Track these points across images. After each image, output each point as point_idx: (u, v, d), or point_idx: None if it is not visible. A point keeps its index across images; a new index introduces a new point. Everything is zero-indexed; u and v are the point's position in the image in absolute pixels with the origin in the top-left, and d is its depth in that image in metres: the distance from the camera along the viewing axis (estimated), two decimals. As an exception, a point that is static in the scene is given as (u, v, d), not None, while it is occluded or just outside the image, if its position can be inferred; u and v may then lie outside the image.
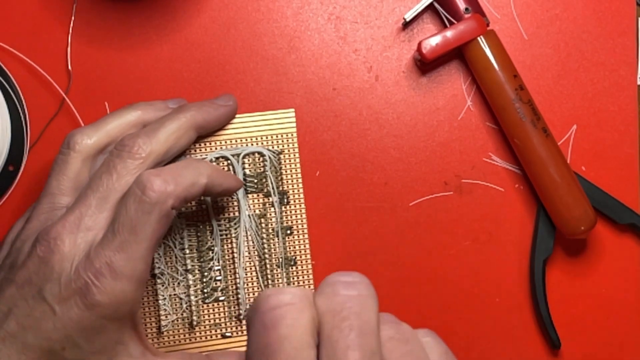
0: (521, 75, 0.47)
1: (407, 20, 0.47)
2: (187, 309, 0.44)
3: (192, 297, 0.44)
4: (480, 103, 0.48)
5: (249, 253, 0.45)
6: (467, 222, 0.48)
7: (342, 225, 0.47)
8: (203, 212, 0.44)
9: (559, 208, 0.46)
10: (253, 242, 0.45)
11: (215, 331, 0.44)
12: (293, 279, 0.45)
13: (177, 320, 0.44)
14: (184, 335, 0.44)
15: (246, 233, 0.45)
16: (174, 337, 0.44)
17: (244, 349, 0.45)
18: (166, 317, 0.44)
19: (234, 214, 0.45)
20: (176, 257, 0.44)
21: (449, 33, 0.46)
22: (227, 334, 0.44)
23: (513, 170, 0.48)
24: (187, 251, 0.44)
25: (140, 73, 0.47)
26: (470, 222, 0.48)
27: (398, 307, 0.48)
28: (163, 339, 0.44)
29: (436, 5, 0.47)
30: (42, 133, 0.46)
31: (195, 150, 0.44)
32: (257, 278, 0.45)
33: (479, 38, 0.46)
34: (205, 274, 0.44)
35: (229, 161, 0.44)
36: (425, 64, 0.48)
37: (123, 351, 0.38)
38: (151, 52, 0.47)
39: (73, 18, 0.46)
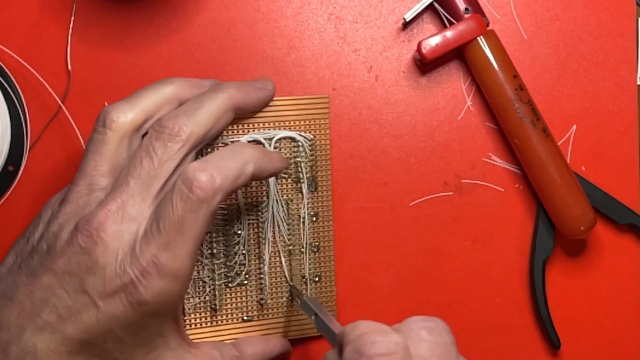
0: (521, 75, 0.47)
1: (407, 20, 0.47)
2: (210, 292, 0.44)
3: (216, 281, 0.44)
4: (480, 103, 0.48)
5: (274, 238, 0.45)
6: (467, 222, 0.48)
7: (342, 225, 0.47)
8: (232, 196, 0.44)
9: (559, 208, 0.46)
10: (279, 227, 0.45)
11: (237, 315, 0.44)
12: (316, 265, 0.45)
13: (200, 304, 0.44)
14: (206, 319, 0.44)
15: (273, 219, 0.44)
16: (195, 320, 0.44)
17: (266, 333, 0.45)
18: (189, 300, 0.43)
19: (262, 198, 0.44)
20: (202, 240, 0.43)
21: (448, 33, 0.46)
22: (248, 318, 0.44)
23: (513, 170, 0.48)
24: (214, 235, 0.43)
25: (140, 73, 0.47)
26: (470, 222, 0.48)
27: (398, 307, 0.48)
28: (185, 322, 0.43)
29: (436, 5, 0.47)
30: (42, 133, 0.46)
31: (228, 133, 0.43)
32: (281, 263, 0.45)
33: (478, 38, 0.46)
34: (230, 257, 0.44)
35: (261, 145, 0.44)
36: (425, 64, 0.48)
37: (162, 343, 0.38)
38: (151, 52, 0.47)
39: (73, 18, 0.46)
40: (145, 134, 0.39)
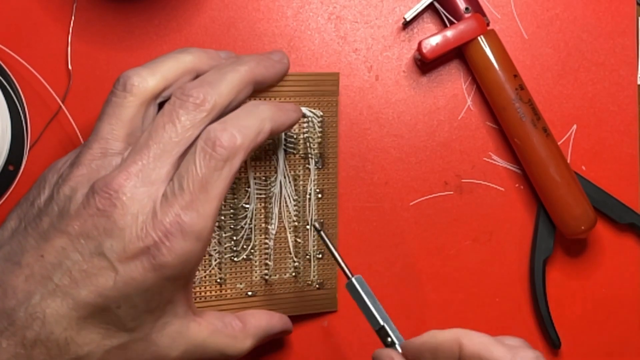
0: (521, 75, 0.47)
1: (407, 19, 0.47)
2: (216, 265, 0.44)
3: (223, 254, 0.44)
4: (481, 103, 0.48)
5: (281, 214, 0.45)
6: (467, 222, 0.48)
7: (342, 225, 0.47)
8: (239, 170, 0.44)
9: (559, 208, 0.46)
10: (286, 203, 0.45)
11: (242, 290, 0.44)
12: (319, 241, 0.45)
13: (206, 277, 0.44)
14: (212, 293, 0.43)
15: (280, 194, 0.44)
16: (201, 293, 0.43)
17: (269, 309, 0.45)
18: (195, 273, 0.43)
19: (270, 173, 0.44)
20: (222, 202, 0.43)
21: (449, 33, 0.46)
22: (252, 293, 0.44)
23: (513, 170, 0.48)
24: (222, 208, 0.43)
25: (140, 73, 0.46)
26: (470, 222, 0.48)
27: (398, 307, 0.47)
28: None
29: (436, 4, 0.47)
30: (42, 133, 0.46)
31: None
32: (287, 239, 0.45)
33: (479, 38, 0.46)
34: (237, 231, 0.44)
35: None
36: (425, 64, 0.48)
37: (171, 310, 0.37)
38: (151, 52, 0.47)
39: (73, 18, 0.46)
40: (162, 103, 0.38)
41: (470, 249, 0.48)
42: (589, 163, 0.49)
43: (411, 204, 0.48)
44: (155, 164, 0.36)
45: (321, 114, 0.45)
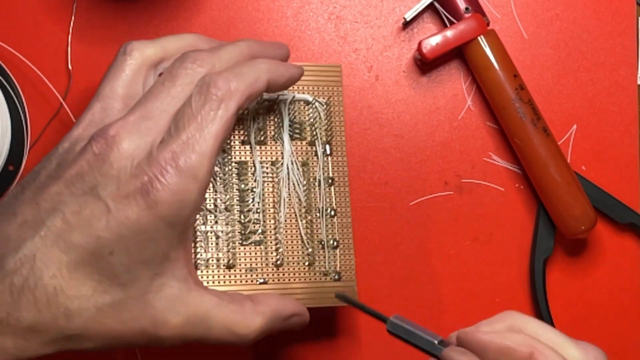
0: (521, 75, 0.47)
1: (407, 19, 0.47)
2: (223, 248, 0.43)
3: (230, 237, 0.43)
4: (481, 103, 0.48)
5: (290, 199, 0.45)
6: (467, 222, 0.48)
7: (342, 225, 0.47)
8: (246, 152, 0.44)
9: (559, 208, 0.46)
10: (295, 189, 0.45)
11: (251, 275, 0.43)
12: (332, 230, 0.45)
13: (213, 259, 0.43)
14: (219, 276, 0.43)
15: (288, 179, 0.45)
16: (207, 276, 0.43)
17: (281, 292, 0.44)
18: (202, 254, 0.43)
19: (277, 158, 0.44)
20: (217, 192, 0.43)
21: (449, 33, 0.46)
22: (262, 280, 0.44)
23: (513, 170, 0.48)
24: (228, 189, 0.43)
25: (140, 73, 0.47)
26: (470, 222, 0.48)
27: (398, 307, 0.48)
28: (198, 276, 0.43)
29: (436, 4, 0.47)
30: (42, 133, 0.46)
31: None
32: (297, 226, 0.45)
33: (479, 38, 0.46)
34: (245, 214, 0.44)
35: (275, 105, 0.44)
36: (425, 64, 0.48)
37: (169, 269, 0.36)
38: (151, 52, 0.47)
39: (73, 18, 0.46)
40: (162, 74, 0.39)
41: (470, 249, 0.48)
42: (589, 163, 0.49)
43: (411, 204, 0.48)
44: (152, 114, 0.36)
45: (325, 101, 0.45)
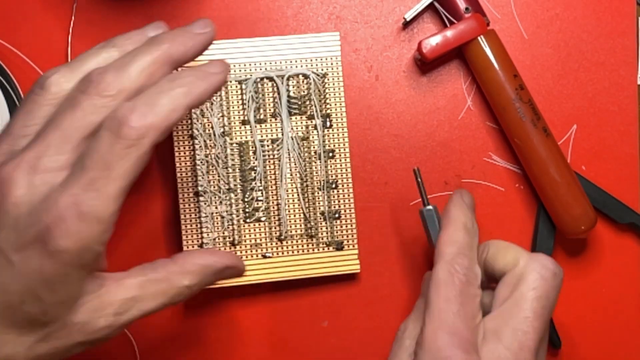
0: (521, 75, 0.47)
1: (407, 19, 0.47)
2: (228, 227, 0.44)
3: (234, 216, 0.44)
4: (481, 103, 0.48)
5: (291, 175, 0.45)
6: (467, 222, 0.48)
7: (342, 225, 0.47)
8: (246, 132, 0.45)
9: (559, 208, 0.46)
10: (295, 164, 0.45)
11: (256, 251, 0.45)
12: (334, 202, 0.46)
13: (219, 239, 0.44)
14: None
15: (289, 155, 0.45)
16: None
17: (283, 269, 0.45)
18: (208, 234, 0.44)
19: (276, 135, 0.45)
20: (219, 175, 0.44)
21: (449, 33, 0.46)
22: (268, 254, 0.45)
23: (513, 170, 0.48)
24: (230, 170, 0.44)
25: (140, 73, 0.46)
26: (471, 222, 0.48)
27: (398, 308, 0.47)
28: None
29: (436, 4, 0.47)
30: (42, 133, 0.46)
31: (240, 71, 0.45)
32: (299, 200, 0.45)
33: (479, 38, 0.46)
34: (247, 193, 0.44)
35: (273, 82, 0.45)
36: (425, 64, 0.48)
37: (85, 293, 0.35)
38: (151, 52, 0.47)
39: (73, 18, 0.46)
40: None
41: (470, 249, 0.48)
42: (589, 163, 0.49)
43: (411, 204, 0.48)
44: (52, 151, 0.33)
45: (324, 73, 0.45)
